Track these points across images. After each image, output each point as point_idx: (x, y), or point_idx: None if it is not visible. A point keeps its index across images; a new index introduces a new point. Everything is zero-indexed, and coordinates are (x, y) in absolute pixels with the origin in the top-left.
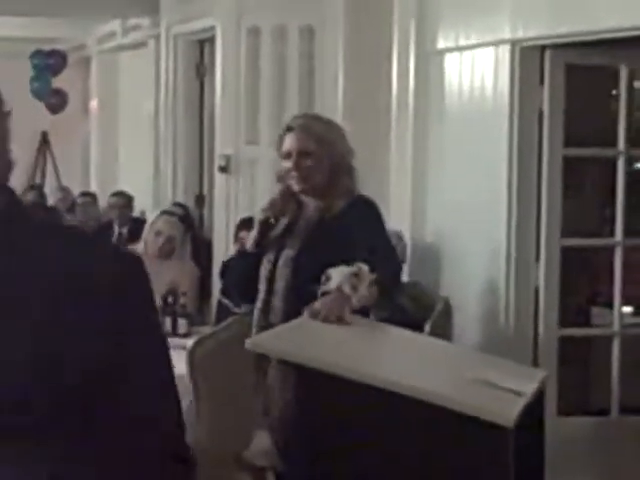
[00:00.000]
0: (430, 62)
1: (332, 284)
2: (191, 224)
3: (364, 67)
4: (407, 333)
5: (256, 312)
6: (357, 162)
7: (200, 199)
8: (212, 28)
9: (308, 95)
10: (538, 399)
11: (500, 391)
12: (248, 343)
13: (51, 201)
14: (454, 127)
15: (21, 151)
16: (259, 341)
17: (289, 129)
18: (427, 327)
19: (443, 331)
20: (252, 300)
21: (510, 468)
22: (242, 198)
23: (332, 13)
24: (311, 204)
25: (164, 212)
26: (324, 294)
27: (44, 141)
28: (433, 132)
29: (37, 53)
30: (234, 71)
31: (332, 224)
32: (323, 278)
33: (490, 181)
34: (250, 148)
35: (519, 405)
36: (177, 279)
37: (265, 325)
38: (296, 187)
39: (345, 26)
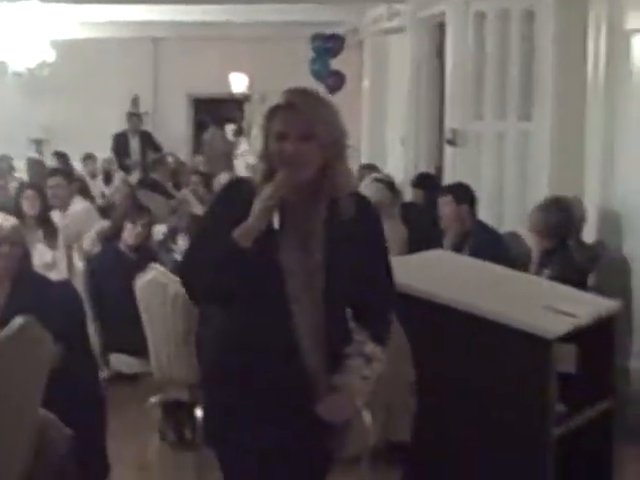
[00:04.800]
0: (620, 42)
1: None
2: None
3: (569, 47)
4: (506, 271)
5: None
6: (559, 136)
7: (439, 170)
8: (443, 13)
9: (527, 74)
10: (605, 324)
11: (558, 313)
12: None
13: None
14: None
15: None
16: None
17: (287, 105)
18: (590, 280)
19: (611, 287)
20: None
21: (551, 374)
22: (467, 169)
23: None
24: (303, 203)
25: (374, 180)
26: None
27: None
28: (621, 107)
29: (317, 36)
30: (462, 52)
31: (349, 226)
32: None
33: None
34: (476, 123)
35: (567, 323)
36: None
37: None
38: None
39: (555, 9)
